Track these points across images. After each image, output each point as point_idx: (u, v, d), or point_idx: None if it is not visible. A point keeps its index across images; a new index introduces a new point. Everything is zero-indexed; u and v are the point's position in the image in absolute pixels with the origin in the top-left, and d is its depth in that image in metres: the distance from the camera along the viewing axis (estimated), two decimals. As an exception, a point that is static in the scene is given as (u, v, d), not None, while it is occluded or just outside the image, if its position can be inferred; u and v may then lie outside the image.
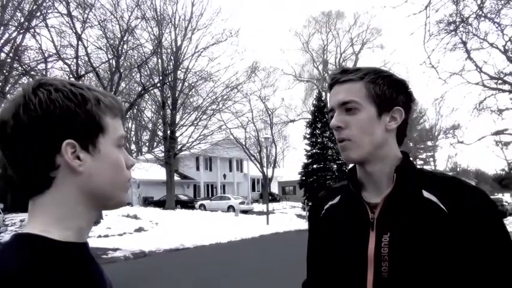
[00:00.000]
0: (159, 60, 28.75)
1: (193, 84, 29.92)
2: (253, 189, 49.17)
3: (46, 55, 19.90)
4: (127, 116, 27.31)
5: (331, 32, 53.68)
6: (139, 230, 18.71)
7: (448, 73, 18.89)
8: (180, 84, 29.92)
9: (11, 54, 20.27)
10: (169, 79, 28.34)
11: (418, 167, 1.15)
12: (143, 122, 38.05)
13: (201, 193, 41.77)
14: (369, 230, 1.06)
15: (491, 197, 1.05)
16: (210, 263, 11.24)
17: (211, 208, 31.49)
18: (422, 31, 19.10)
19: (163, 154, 30.56)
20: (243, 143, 37.47)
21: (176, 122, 30.18)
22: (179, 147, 30.56)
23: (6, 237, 15.72)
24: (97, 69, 22.00)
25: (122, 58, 23.14)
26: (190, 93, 30.54)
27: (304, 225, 21.72)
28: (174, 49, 29.50)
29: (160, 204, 30.34)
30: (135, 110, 30.79)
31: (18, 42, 20.69)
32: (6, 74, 19.34)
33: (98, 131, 0.76)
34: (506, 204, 32.75)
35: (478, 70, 19.30)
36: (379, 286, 1.01)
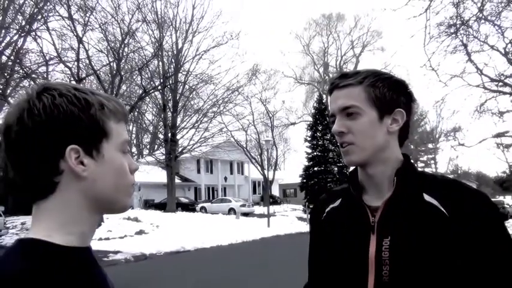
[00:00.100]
0: (160, 63, 28.80)
1: (194, 87, 29.97)
2: (254, 192, 49.15)
3: (47, 58, 19.95)
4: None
5: (331, 34, 53.78)
6: (140, 232, 18.70)
7: (448, 75, 18.87)
8: (181, 87, 29.95)
9: (12, 57, 20.32)
10: (170, 82, 28.37)
11: (419, 169, 1.15)
12: (144, 125, 38.08)
13: (202, 196, 41.75)
14: (369, 234, 1.06)
15: (493, 199, 1.05)
16: (211, 265, 11.23)
17: (212, 211, 31.46)
18: (422, 34, 19.08)
19: (164, 157, 30.57)
20: (244, 146, 37.46)
21: (177, 124, 30.20)
22: (180, 149, 30.58)
23: (7, 239, 15.72)
24: (98, 72, 22.03)
25: (123, 61, 23.17)
26: (191, 96, 30.58)
27: (305, 227, 21.69)
28: (175, 52, 29.55)
29: (161, 206, 30.33)
30: (136, 113, 30.79)
31: (19, 45, 20.73)
32: (8, 77, 19.37)
33: (101, 136, 0.76)
34: (508, 206, 32.66)
35: (479, 72, 19.29)
36: None
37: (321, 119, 34.28)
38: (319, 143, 34.18)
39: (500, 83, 19.48)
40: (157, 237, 17.03)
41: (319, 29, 53.86)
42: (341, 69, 48.46)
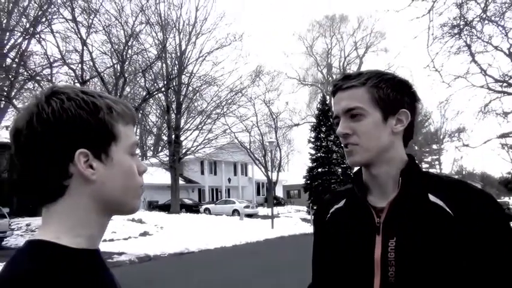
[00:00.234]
0: (164, 65, 28.87)
1: (197, 89, 29.99)
2: (258, 193, 49.16)
3: (51, 60, 20.06)
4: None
5: (335, 35, 53.74)
6: (144, 234, 18.73)
7: (452, 76, 18.82)
8: (185, 89, 29.98)
9: (16, 60, 20.43)
10: (174, 84, 28.44)
11: (423, 170, 1.15)
12: (148, 127, 38.18)
13: (206, 197, 41.79)
14: (374, 235, 1.06)
15: (498, 200, 1.04)
16: (215, 266, 11.23)
17: (216, 212, 31.49)
18: (425, 35, 19.05)
19: (168, 158, 30.62)
20: (248, 147, 37.47)
21: (181, 126, 30.23)
22: (184, 151, 30.60)
23: (12, 241, 15.77)
24: (102, 74, 22.12)
25: (127, 63, 23.26)
26: (194, 98, 30.61)
27: (309, 229, 21.67)
28: (179, 54, 29.59)
29: (165, 208, 30.37)
30: (139, 115, 30.86)
31: (23, 48, 20.87)
32: (12, 79, 19.47)
33: (110, 139, 0.77)
34: (513, 207, 32.50)
35: (483, 73, 19.23)
36: None
37: (324, 120, 34.23)
38: (323, 144, 34.12)
39: (505, 84, 19.41)
40: (161, 239, 17.05)
41: (323, 30, 53.88)
42: (344, 71, 48.42)
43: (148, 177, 31.76)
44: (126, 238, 17.01)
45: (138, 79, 27.51)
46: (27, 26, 20.40)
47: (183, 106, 30.20)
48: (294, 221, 27.77)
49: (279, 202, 40.98)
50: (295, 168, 54.55)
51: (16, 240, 16.02)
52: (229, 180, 44.12)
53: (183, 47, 29.82)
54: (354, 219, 1.12)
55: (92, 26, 20.75)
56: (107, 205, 0.78)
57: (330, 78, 50.24)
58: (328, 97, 38.43)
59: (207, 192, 42.35)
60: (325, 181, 32.34)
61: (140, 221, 21.38)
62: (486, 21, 16.54)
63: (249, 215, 30.26)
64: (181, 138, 30.48)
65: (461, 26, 16.29)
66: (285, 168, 57.53)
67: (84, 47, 20.27)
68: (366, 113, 1.07)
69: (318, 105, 37.30)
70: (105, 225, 0.81)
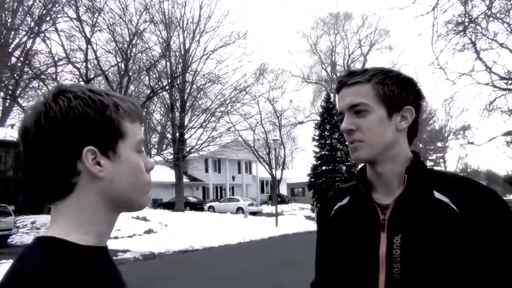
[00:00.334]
0: (168, 63, 28.90)
1: (201, 87, 30.03)
2: (262, 191, 49.18)
3: (56, 59, 20.14)
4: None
5: (339, 33, 53.65)
6: (149, 231, 18.80)
7: (457, 74, 18.73)
8: (189, 87, 30.01)
9: (21, 59, 20.53)
10: (178, 82, 28.45)
11: (428, 167, 1.14)
12: (152, 125, 38.30)
13: (210, 195, 41.84)
14: (379, 231, 1.05)
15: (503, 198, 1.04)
16: (219, 264, 11.25)
17: (220, 210, 31.53)
18: (430, 32, 18.98)
19: (172, 156, 30.68)
20: (252, 145, 37.49)
21: (185, 124, 30.28)
22: (188, 149, 30.65)
23: (17, 238, 15.87)
24: (106, 72, 22.18)
25: (131, 61, 23.31)
26: (198, 96, 30.65)
27: (313, 226, 21.65)
28: (183, 52, 29.61)
29: (170, 206, 30.43)
30: (144, 113, 30.90)
31: (28, 47, 20.97)
32: (17, 77, 19.56)
33: (117, 136, 0.78)
34: (518, 205, 32.33)
35: (488, 70, 19.13)
36: None
37: (328, 118, 34.13)
38: (327, 142, 34.03)
39: (510, 81, 19.31)
40: (165, 236, 17.10)
41: (327, 28, 53.78)
42: (349, 68, 48.27)
43: (153, 175, 31.30)
44: (130, 236, 17.09)
45: (142, 77, 27.61)
46: (32, 25, 20.49)
47: (187, 104, 30.23)
48: (298, 219, 27.77)
49: (283, 200, 40.95)
50: (300, 166, 54.53)
51: (21, 237, 16.12)
52: (233, 178, 44.16)
53: (187, 45, 29.87)
54: (358, 216, 1.12)
55: (96, 24, 20.83)
56: (115, 202, 0.78)
57: (334, 76, 50.18)
58: (332, 95, 38.37)
59: (211, 190, 42.41)
60: (330, 179, 32.26)
61: (145, 219, 21.45)
62: (491, 18, 16.46)
63: (253, 213, 30.28)
64: (186, 136, 30.52)
65: (466, 23, 16.21)
66: (289, 166, 57.56)
67: (89, 46, 20.34)
68: (370, 109, 1.07)
69: (322, 103, 37.22)
70: (113, 222, 0.81)
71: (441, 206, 1.01)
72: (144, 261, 11.95)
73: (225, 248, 15.11)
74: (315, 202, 31.50)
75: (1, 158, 22.61)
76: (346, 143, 1.14)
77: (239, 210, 30.89)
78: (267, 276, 9.23)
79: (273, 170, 33.39)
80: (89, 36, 20.27)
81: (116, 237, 16.05)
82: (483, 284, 0.96)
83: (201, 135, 30.77)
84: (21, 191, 20.17)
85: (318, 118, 37.50)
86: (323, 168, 33.50)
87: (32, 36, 20.62)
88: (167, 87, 27.72)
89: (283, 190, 47.86)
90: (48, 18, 20.05)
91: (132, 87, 27.24)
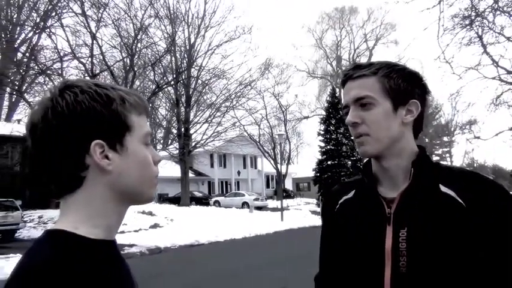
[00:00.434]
0: (173, 58, 28.88)
1: (206, 82, 30.02)
2: (268, 186, 49.21)
3: (61, 54, 20.21)
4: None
5: (344, 28, 53.41)
6: (155, 226, 18.89)
7: (463, 68, 18.62)
8: (194, 82, 30.02)
9: (27, 54, 20.61)
10: (183, 77, 28.46)
11: (434, 161, 1.14)
12: (157, 120, 38.24)
13: (216, 190, 41.96)
14: (385, 225, 1.05)
15: (510, 193, 1.03)
16: (225, 258, 11.30)
17: (225, 204, 31.63)
18: (436, 26, 18.83)
19: (177, 151, 30.74)
20: (257, 140, 37.47)
21: (190, 119, 30.31)
22: (193, 144, 30.70)
23: (24, 233, 16.00)
24: (111, 67, 22.24)
25: (136, 56, 23.34)
26: (204, 91, 30.66)
27: (318, 221, 21.54)
28: (188, 47, 29.60)
29: (175, 200, 30.56)
30: (149, 108, 30.97)
31: (34, 42, 21.04)
32: (23, 73, 19.65)
33: (124, 130, 0.78)
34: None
35: (495, 64, 18.99)
36: (397, 281, 1.01)
37: (334, 112, 34.05)
38: (333, 136, 33.98)
39: (517, 75, 19.15)
40: (171, 231, 17.18)
41: (332, 22, 53.57)
42: (354, 63, 48.01)
43: (159, 170, 31.94)
44: (136, 230, 17.18)
45: (147, 73, 27.62)
46: (38, 20, 20.55)
47: (193, 99, 30.25)
48: (304, 214, 27.79)
49: (288, 195, 40.99)
50: (305, 160, 54.60)
51: (29, 232, 16.25)
52: (238, 173, 44.23)
53: (192, 40, 29.85)
54: (363, 209, 1.12)
55: (102, 20, 20.87)
56: (124, 195, 0.79)
57: (340, 71, 49.94)
58: (337, 89, 38.25)
59: (217, 185, 42.51)
60: (335, 174, 32.25)
61: (150, 214, 21.55)
62: (498, 12, 16.31)
63: (259, 208, 30.34)
64: (191, 131, 30.57)
65: (473, 17, 16.07)
66: (295, 161, 57.60)
67: (94, 41, 20.39)
68: (376, 102, 1.07)
69: (328, 98, 37.13)
70: (122, 216, 0.82)
71: (447, 199, 1.00)
72: (150, 256, 12.02)
73: (230, 242, 15.16)
74: (320, 197, 31.51)
75: (8, 153, 22.77)
76: (352, 138, 1.13)
77: (244, 204, 30.96)
78: (272, 270, 9.25)
79: (278, 165, 33.37)
80: (94, 32, 20.33)
81: (122, 232, 16.13)
82: (490, 278, 0.96)
83: (206, 130, 30.81)
84: (28, 186, 20.31)
85: (324, 113, 37.44)
86: (328, 162, 33.47)
87: (37, 31, 20.69)
88: (172, 83, 27.73)
89: (288, 185, 47.90)
90: (53, 14, 20.12)
91: (137, 83, 27.27)
